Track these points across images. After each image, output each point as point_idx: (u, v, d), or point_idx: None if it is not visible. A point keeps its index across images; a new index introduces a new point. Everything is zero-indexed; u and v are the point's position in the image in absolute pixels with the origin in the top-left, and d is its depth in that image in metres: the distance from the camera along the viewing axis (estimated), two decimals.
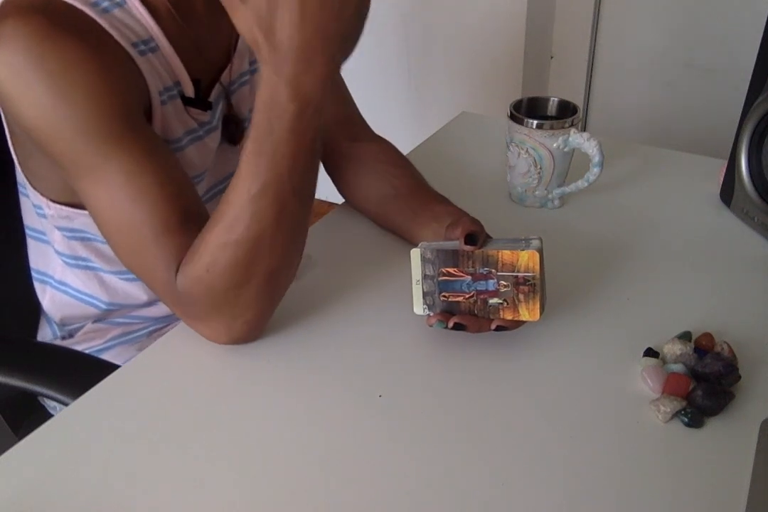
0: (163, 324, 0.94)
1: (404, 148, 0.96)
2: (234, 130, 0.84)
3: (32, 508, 0.56)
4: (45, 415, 0.91)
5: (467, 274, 0.68)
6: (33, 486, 0.58)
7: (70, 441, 0.62)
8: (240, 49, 0.82)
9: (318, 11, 0.55)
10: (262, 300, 0.68)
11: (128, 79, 0.68)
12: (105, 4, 0.67)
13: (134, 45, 0.69)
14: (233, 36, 0.82)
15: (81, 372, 0.75)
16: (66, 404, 0.67)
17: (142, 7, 0.69)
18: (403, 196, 0.83)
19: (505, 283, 0.66)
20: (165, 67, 0.73)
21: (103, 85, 0.64)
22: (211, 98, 0.80)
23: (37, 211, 0.83)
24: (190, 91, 0.76)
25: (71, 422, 0.64)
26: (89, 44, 0.64)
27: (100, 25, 0.66)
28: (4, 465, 0.60)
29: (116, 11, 0.68)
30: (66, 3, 0.65)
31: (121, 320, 0.92)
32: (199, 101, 0.78)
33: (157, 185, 0.65)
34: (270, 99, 0.58)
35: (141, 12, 0.70)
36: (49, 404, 0.94)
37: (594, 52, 1.86)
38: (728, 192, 0.91)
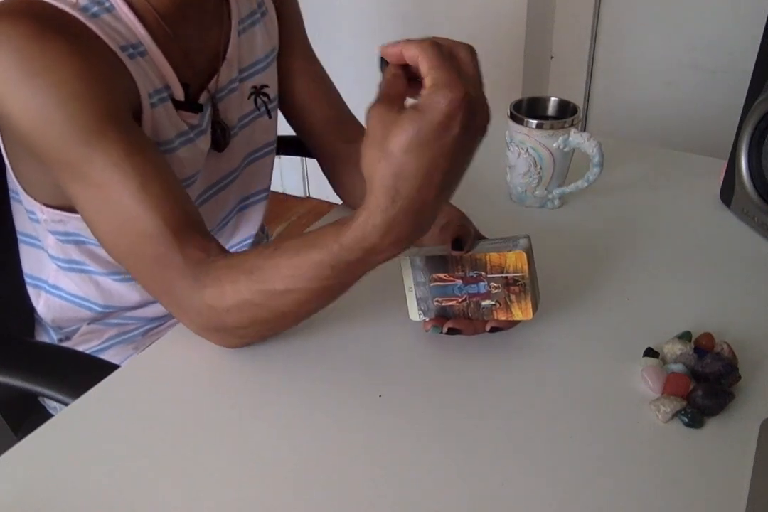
0: (158, 323, 0.94)
1: None
2: (219, 136, 0.84)
3: (32, 508, 0.56)
4: (45, 415, 0.91)
5: (457, 279, 0.68)
6: (33, 486, 0.58)
7: (70, 441, 0.62)
8: (229, 58, 0.83)
9: (441, 175, 0.53)
10: (265, 336, 0.71)
11: (116, 81, 0.68)
12: (95, 9, 0.68)
13: (123, 48, 0.69)
14: (221, 44, 0.82)
15: (81, 372, 0.75)
16: (66, 404, 0.67)
17: (130, 12, 0.70)
18: None
19: (495, 285, 0.66)
20: (154, 70, 0.73)
21: (89, 85, 0.64)
22: (200, 101, 0.80)
23: (30, 216, 0.83)
24: (180, 94, 0.76)
25: (71, 422, 0.64)
26: (77, 46, 0.64)
27: (89, 29, 0.67)
28: (4, 465, 0.60)
29: (105, 16, 0.69)
30: (56, 7, 0.65)
31: (116, 321, 0.92)
32: (189, 104, 0.78)
33: (143, 183, 0.65)
34: (369, 240, 0.56)
35: (130, 18, 0.70)
36: (49, 404, 0.94)
37: (594, 52, 1.86)
38: (728, 192, 0.91)
